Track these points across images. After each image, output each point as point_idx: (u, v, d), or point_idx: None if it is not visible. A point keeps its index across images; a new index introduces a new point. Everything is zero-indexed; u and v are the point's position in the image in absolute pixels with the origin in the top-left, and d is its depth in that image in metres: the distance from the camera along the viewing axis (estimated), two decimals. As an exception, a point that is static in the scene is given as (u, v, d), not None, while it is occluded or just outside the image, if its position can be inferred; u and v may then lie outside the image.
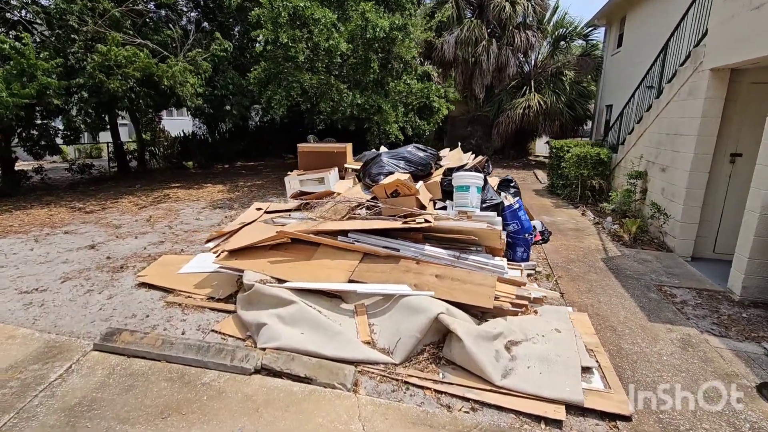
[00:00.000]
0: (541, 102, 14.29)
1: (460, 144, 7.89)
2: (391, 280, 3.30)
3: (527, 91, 15.04)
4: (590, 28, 15.32)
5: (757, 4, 3.94)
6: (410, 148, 4.92)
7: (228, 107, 10.12)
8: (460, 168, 4.73)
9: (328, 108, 8.64)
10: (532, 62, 15.57)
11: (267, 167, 14.21)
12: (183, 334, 3.18)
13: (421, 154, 4.82)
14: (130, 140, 15.76)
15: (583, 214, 7.36)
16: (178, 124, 22.48)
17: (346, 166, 6.15)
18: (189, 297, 3.74)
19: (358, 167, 6.13)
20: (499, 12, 13.79)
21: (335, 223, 3.80)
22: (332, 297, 3.38)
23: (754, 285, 3.85)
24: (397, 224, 3.63)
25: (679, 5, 9.06)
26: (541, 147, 20.69)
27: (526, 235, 4.63)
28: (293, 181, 5.81)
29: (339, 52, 8.18)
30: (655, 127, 6.15)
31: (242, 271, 3.56)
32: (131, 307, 3.58)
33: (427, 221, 3.61)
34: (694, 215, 5.12)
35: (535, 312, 3.42)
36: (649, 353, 3.04)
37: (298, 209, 4.71)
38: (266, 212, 4.73)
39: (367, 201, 4.21)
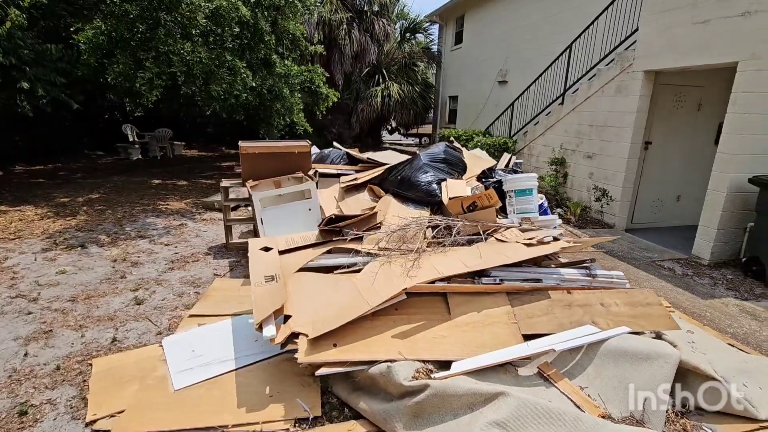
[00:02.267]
0: (400, 91, 14.72)
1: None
2: (565, 322, 2.60)
3: (380, 80, 15.24)
4: (428, 23, 16.52)
5: (702, 19, 4.75)
6: (442, 147, 4.05)
7: (25, 84, 6.47)
8: (493, 169, 4.20)
9: (220, 92, 6.49)
10: (385, 51, 15.79)
11: (76, 172, 10.05)
12: None
13: (457, 154, 4.04)
14: None
15: (507, 200, 7.90)
16: None
17: (319, 170, 4.72)
18: (258, 434, 2.09)
19: (334, 171, 4.82)
20: (358, -5, 13.32)
21: (455, 261, 2.75)
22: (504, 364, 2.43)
23: (718, 250, 4.79)
24: (527, 248, 2.89)
25: (523, 12, 10.56)
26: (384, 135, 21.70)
27: (553, 232, 4.53)
28: (261, 197, 4.08)
29: (235, 18, 6.17)
30: (573, 118, 6.99)
31: (368, 363, 2.19)
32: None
33: (555, 238, 3.00)
34: (629, 195, 6.08)
35: (647, 315, 3.31)
36: (751, 332, 3.35)
37: (327, 241, 3.28)
38: (282, 252, 3.11)
39: (445, 219, 3.23)
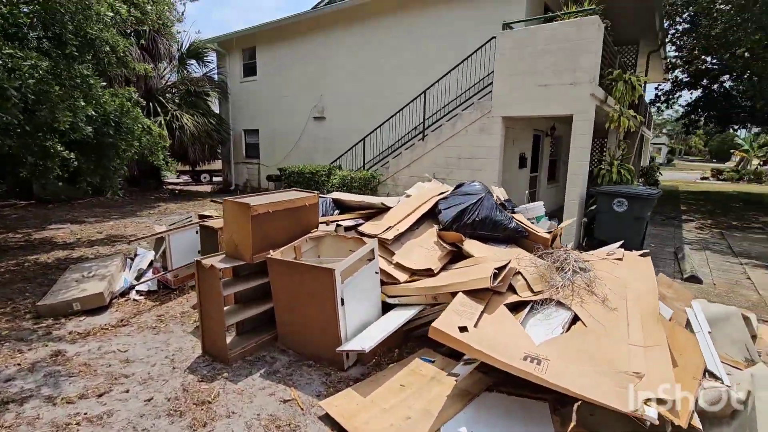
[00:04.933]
0: (195, 123, 12.64)
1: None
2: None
3: (158, 109, 12.64)
4: (205, 50, 14.82)
5: (543, 83, 6.79)
6: (480, 185, 4.06)
7: None
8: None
9: (67, 120, 3.94)
10: (161, 75, 13.05)
11: None
12: None
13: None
14: None
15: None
16: None
17: (338, 222, 3.79)
18: None
19: (352, 223, 4.02)
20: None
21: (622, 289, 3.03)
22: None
23: (574, 240, 6.93)
24: (629, 263, 3.53)
25: (339, 53, 11.36)
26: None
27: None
28: (342, 269, 2.98)
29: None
30: (439, 152, 8.22)
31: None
32: None
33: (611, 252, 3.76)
34: (499, 210, 7.78)
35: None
36: (659, 287, 5.16)
37: (489, 300, 2.86)
38: (475, 326, 2.50)
39: (558, 253, 3.42)
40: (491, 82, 7.51)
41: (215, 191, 15.44)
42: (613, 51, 7.82)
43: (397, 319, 3.12)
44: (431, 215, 4.16)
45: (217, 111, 15.28)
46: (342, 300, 2.96)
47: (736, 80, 10.39)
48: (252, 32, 13.39)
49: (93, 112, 4.70)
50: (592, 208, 7.64)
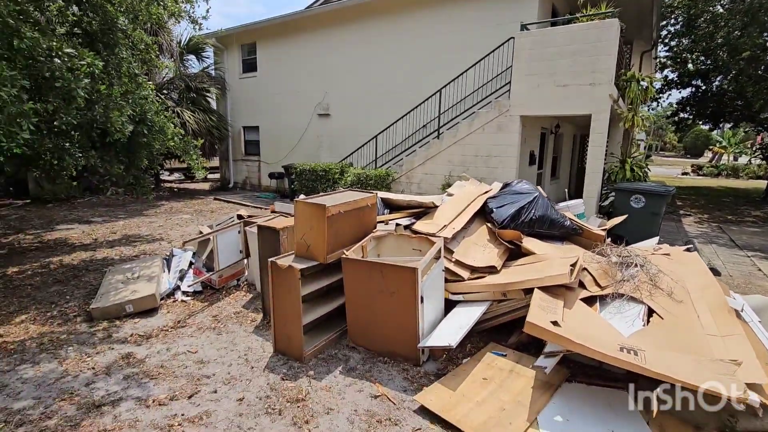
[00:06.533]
0: (198, 120, 12.42)
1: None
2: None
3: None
4: (204, 45, 14.51)
5: (562, 83, 6.97)
6: (526, 183, 4.19)
7: None
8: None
9: (118, 120, 3.86)
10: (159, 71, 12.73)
11: None
12: None
13: (534, 189, 4.34)
14: None
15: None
16: None
17: (396, 221, 3.87)
18: None
19: (407, 221, 4.10)
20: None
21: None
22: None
23: (593, 235, 7.16)
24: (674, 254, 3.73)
25: (343, 52, 11.32)
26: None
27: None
28: (422, 268, 3.06)
29: None
30: (456, 150, 8.33)
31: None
32: None
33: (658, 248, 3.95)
34: (516, 207, 7.96)
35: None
36: (682, 280, 5.42)
37: (561, 296, 2.99)
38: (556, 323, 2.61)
39: (624, 251, 3.58)
40: (508, 81, 7.66)
41: (214, 189, 15.21)
42: (623, 52, 8.08)
43: (470, 314, 3.22)
44: (480, 213, 4.28)
45: (215, 107, 15.03)
46: (422, 297, 3.05)
47: (731, 80, 10.81)
48: (253, 28, 13.19)
49: (131, 111, 4.62)
50: (604, 204, 7.93)
